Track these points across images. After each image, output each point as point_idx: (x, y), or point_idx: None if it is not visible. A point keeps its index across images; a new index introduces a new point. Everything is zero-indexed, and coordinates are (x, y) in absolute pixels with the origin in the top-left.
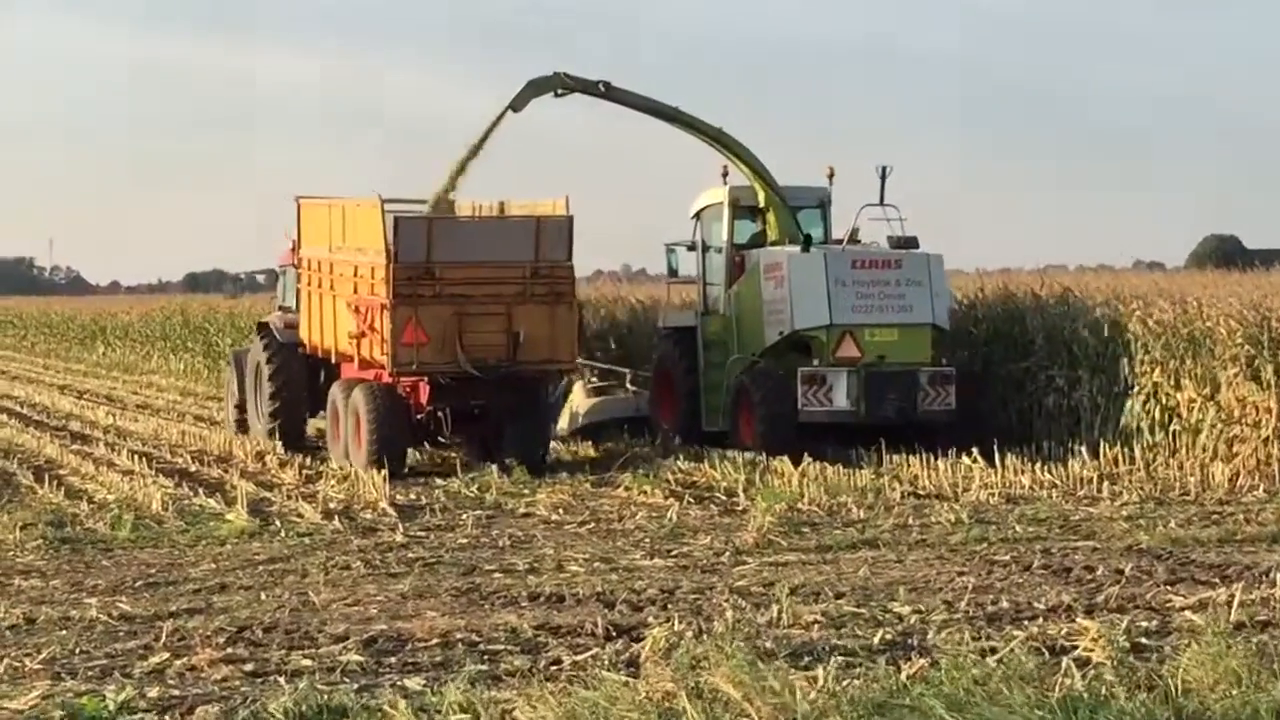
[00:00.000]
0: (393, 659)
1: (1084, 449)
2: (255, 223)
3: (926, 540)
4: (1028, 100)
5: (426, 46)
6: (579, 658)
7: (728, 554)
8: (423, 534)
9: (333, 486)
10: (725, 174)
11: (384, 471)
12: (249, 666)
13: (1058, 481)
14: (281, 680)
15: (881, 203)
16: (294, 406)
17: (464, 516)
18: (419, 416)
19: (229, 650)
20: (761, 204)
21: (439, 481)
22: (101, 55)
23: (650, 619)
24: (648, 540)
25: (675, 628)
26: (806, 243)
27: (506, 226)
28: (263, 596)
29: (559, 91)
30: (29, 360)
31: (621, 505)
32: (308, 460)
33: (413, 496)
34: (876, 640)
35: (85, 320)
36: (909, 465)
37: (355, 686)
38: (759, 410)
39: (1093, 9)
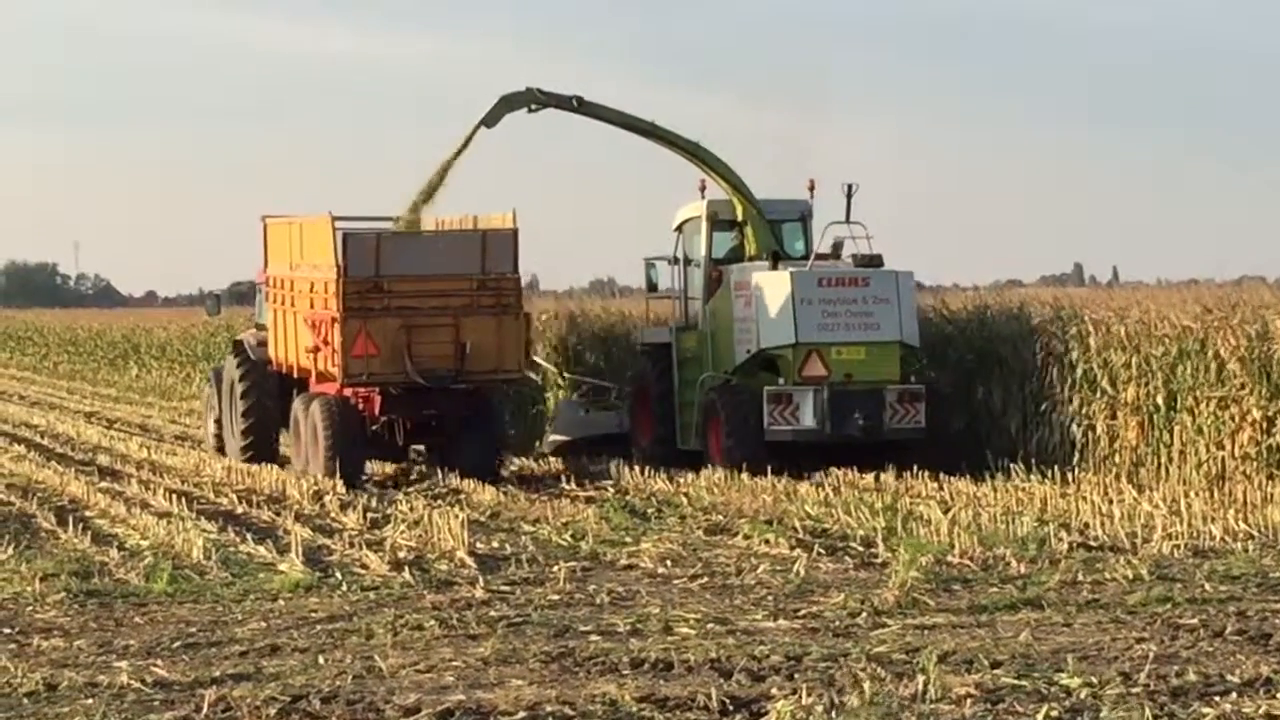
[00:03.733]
0: None
1: None
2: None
3: (1099, 600)
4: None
5: (502, 34)
6: None
7: (864, 614)
8: (507, 589)
9: (402, 533)
10: (703, 187)
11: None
12: None
13: (1255, 532)
14: None
15: (848, 220)
16: (266, 423)
17: (555, 568)
18: (374, 427)
19: None
20: (739, 218)
21: (526, 528)
22: (137, 30)
23: (774, 690)
24: (770, 598)
25: (803, 701)
26: (774, 259)
27: (453, 240)
28: (321, 660)
29: (532, 107)
30: (51, 383)
31: (740, 556)
32: (373, 502)
33: (495, 545)
34: (1040, 718)
35: (116, 337)
36: (1078, 512)
37: None
38: (726, 429)
39: None
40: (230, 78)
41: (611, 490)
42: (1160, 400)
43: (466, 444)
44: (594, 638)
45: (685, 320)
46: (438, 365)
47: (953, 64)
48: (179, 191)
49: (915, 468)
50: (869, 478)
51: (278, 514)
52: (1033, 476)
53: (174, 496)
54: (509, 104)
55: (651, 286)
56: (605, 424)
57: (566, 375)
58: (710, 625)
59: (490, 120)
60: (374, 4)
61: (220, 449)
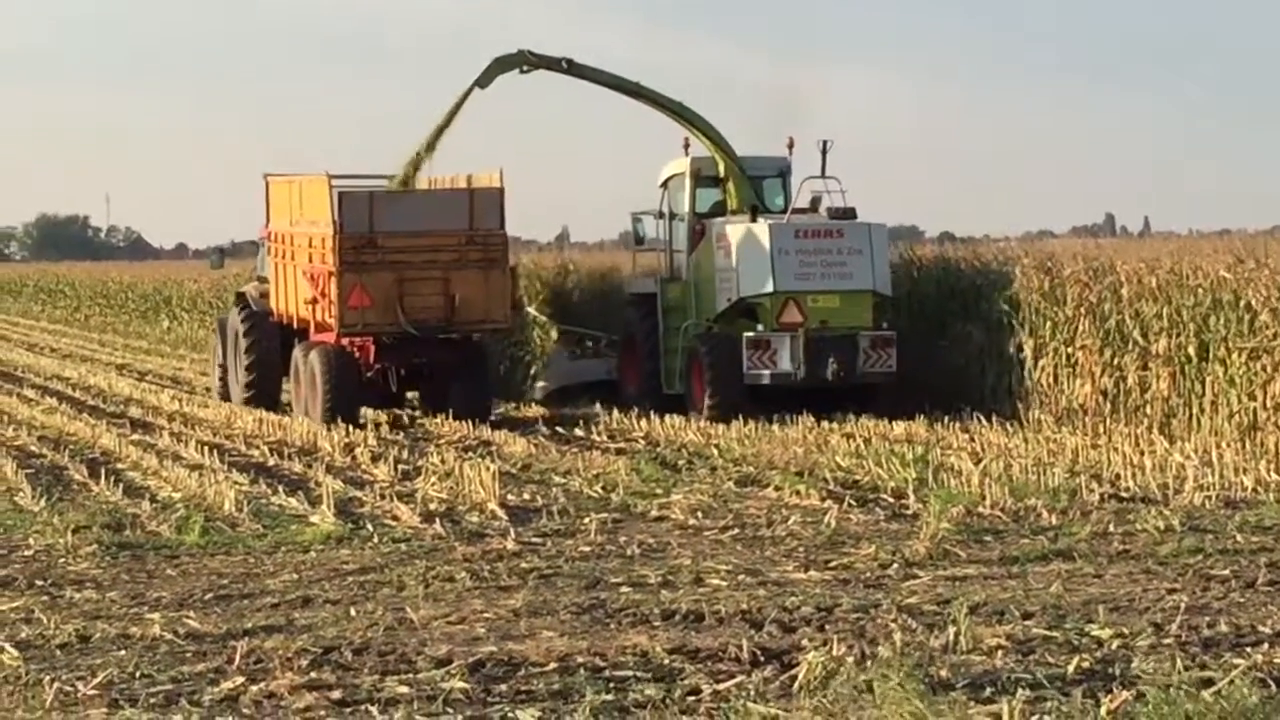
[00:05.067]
0: (503, 686)
1: None
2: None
3: (1130, 551)
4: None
5: None
6: (721, 687)
7: (895, 566)
8: (538, 540)
9: (433, 485)
10: (687, 145)
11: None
12: (336, 694)
13: None
14: (374, 710)
15: (823, 175)
16: (269, 372)
17: (586, 520)
18: (369, 374)
19: (313, 675)
20: (721, 174)
21: (557, 479)
22: None
23: (804, 642)
24: (802, 549)
25: (834, 652)
26: (753, 213)
27: (442, 198)
28: (352, 612)
29: (524, 68)
30: (82, 335)
31: (770, 508)
32: (404, 454)
33: (526, 497)
34: (1071, 669)
35: (147, 289)
36: (1110, 464)
37: (459, 718)
38: (708, 374)
39: None
40: (260, 31)
41: (642, 442)
42: (1192, 351)
43: (457, 389)
44: (625, 589)
45: (670, 271)
46: (429, 316)
47: (985, 16)
48: (210, 143)
49: (946, 419)
50: (900, 429)
51: (309, 466)
52: (1064, 428)
53: (205, 449)
54: (501, 65)
55: (639, 240)
56: (595, 371)
57: (548, 320)
58: (741, 577)
59: (484, 81)
60: None
61: (224, 395)
